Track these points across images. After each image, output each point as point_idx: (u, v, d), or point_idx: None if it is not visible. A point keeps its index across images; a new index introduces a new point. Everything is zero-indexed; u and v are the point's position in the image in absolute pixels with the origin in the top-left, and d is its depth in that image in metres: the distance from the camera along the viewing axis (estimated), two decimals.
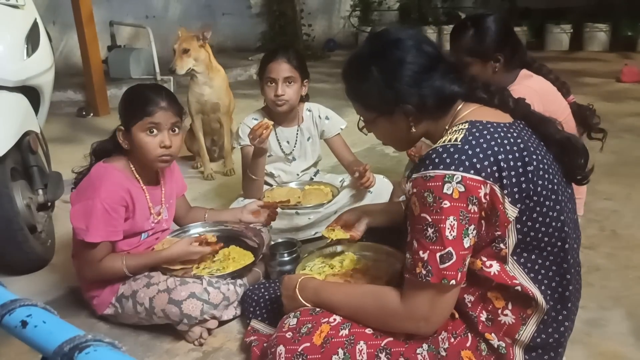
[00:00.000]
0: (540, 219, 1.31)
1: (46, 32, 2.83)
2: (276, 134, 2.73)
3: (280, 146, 2.75)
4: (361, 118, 1.55)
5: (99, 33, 5.74)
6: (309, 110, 2.78)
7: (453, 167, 1.25)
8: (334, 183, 2.76)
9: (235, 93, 4.04)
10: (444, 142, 1.31)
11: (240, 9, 10.04)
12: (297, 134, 2.75)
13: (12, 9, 2.55)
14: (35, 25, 2.67)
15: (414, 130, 1.44)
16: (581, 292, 1.50)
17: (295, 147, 2.76)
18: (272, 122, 2.43)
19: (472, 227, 1.26)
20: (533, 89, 2.12)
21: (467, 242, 1.26)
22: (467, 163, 1.25)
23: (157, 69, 6.33)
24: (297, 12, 9.74)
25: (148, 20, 8.39)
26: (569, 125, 2.24)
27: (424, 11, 11.13)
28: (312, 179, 2.86)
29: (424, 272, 1.25)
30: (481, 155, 1.26)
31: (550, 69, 2.34)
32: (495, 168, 1.26)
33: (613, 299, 2.11)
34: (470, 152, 1.26)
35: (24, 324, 0.75)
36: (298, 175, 2.81)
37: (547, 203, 1.31)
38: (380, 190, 2.60)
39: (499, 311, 1.35)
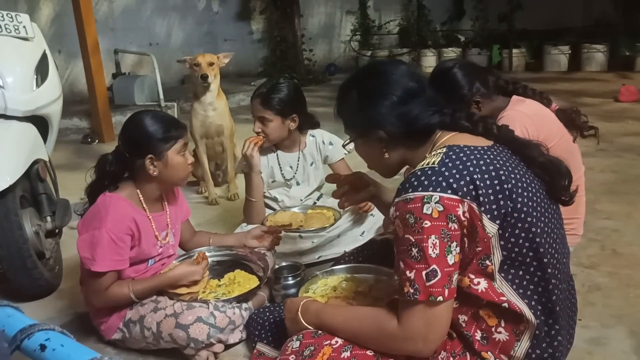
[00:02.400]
0: (523, 234, 1.35)
1: (54, 62, 2.90)
2: (278, 159, 2.78)
3: (282, 171, 2.79)
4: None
5: (103, 61, 5.84)
6: (313, 136, 2.83)
7: (431, 188, 1.31)
8: (336, 207, 2.79)
9: (237, 118, 4.10)
10: (422, 165, 1.38)
11: (241, 35, 10.19)
12: (298, 159, 2.80)
13: (22, 41, 2.62)
14: (44, 57, 2.74)
15: (387, 155, 1.53)
16: (577, 306, 1.52)
17: (297, 172, 2.81)
18: (264, 137, 2.56)
19: (455, 243, 1.31)
20: (525, 113, 2.19)
21: (451, 259, 1.30)
22: (444, 184, 1.31)
23: (161, 96, 6.41)
24: (298, 37, 9.86)
25: (151, 47, 8.52)
26: (566, 139, 2.28)
27: (423, 34, 11.29)
28: (315, 203, 2.90)
29: (411, 290, 1.29)
30: (457, 176, 1.32)
31: (526, 85, 2.40)
32: (471, 187, 1.32)
33: (615, 317, 2.13)
34: (446, 173, 1.32)
35: (43, 347, 0.78)
36: (301, 200, 2.84)
37: (530, 219, 1.36)
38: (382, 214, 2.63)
39: (493, 329, 1.38)
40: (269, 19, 10.29)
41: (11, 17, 2.58)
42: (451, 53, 10.28)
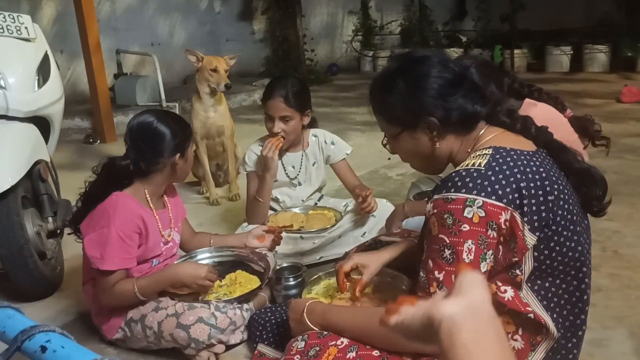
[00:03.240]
0: (558, 247, 1.33)
1: (55, 62, 2.91)
2: (281, 159, 2.78)
3: (285, 171, 2.79)
4: (385, 135, 1.57)
5: (105, 61, 5.84)
6: (315, 136, 2.82)
7: (475, 191, 1.26)
8: (338, 207, 2.80)
9: (239, 118, 4.12)
10: (467, 165, 1.32)
11: (243, 34, 10.19)
12: (302, 159, 2.80)
13: (24, 42, 2.63)
14: (46, 58, 2.75)
15: (437, 146, 1.45)
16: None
17: (300, 172, 2.81)
18: (283, 139, 2.57)
19: (490, 252, 1.27)
20: (538, 119, 2.16)
21: (483, 267, 1.26)
22: (489, 189, 1.26)
23: (163, 96, 6.42)
24: (300, 38, 9.86)
25: (153, 47, 8.52)
26: (577, 145, 2.27)
27: (425, 35, 11.29)
28: (317, 204, 2.90)
29: (438, 292, 1.28)
30: (503, 182, 1.27)
31: (541, 88, 2.37)
32: (516, 195, 1.27)
33: (615, 319, 2.13)
34: (493, 177, 1.28)
35: (44, 349, 0.79)
36: (303, 200, 2.85)
37: (565, 233, 1.33)
38: (383, 214, 2.62)
39: (509, 336, 1.36)
40: (271, 19, 10.29)
41: (13, 18, 2.58)
42: (453, 54, 10.26)
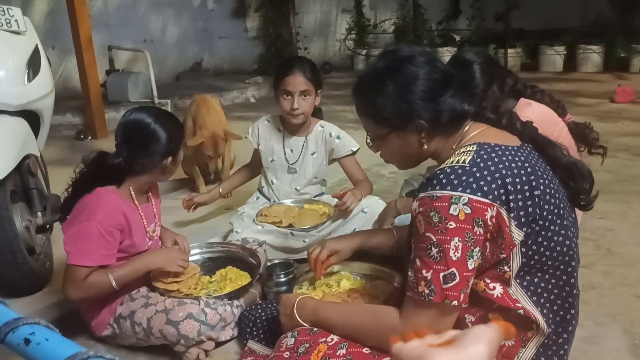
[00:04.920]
0: (545, 243, 1.32)
1: (46, 56, 2.88)
2: (283, 139, 2.77)
3: (285, 153, 2.78)
4: (369, 135, 1.55)
5: (97, 57, 5.80)
6: (322, 127, 2.79)
7: (460, 188, 1.25)
8: (332, 202, 2.78)
9: (232, 115, 4.10)
10: (451, 163, 1.32)
11: (237, 32, 10.17)
12: (303, 145, 2.77)
13: (13, 34, 2.59)
14: (36, 51, 2.71)
15: (425, 147, 1.44)
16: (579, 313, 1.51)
17: (298, 158, 2.78)
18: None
19: (477, 249, 1.26)
20: (531, 118, 2.15)
21: (471, 264, 1.26)
22: (474, 185, 1.25)
23: (155, 93, 6.38)
24: (293, 35, 9.84)
25: (146, 44, 8.49)
26: (570, 148, 2.26)
27: (419, 33, 11.30)
28: (311, 198, 2.88)
29: (426, 291, 1.26)
30: (489, 178, 1.27)
31: (544, 90, 2.36)
32: (502, 191, 1.27)
33: (609, 316, 2.13)
34: (478, 174, 1.27)
35: (27, 341, 0.76)
36: (297, 189, 2.83)
37: (553, 227, 1.32)
38: (375, 211, 2.60)
39: None
40: (265, 17, 10.27)
41: (2, 11, 2.54)
42: (447, 53, 10.27)
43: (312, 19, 11.34)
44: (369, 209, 2.62)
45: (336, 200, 2.81)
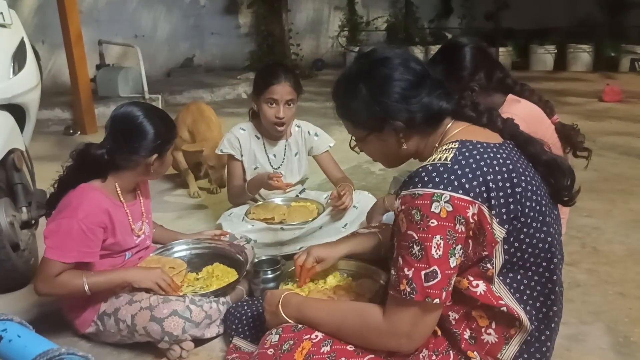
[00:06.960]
0: (527, 239, 1.32)
1: (35, 51, 2.85)
2: (265, 146, 2.76)
3: (269, 159, 2.77)
4: (352, 137, 1.56)
5: (87, 52, 5.76)
6: (298, 127, 2.81)
7: (442, 186, 1.25)
8: (319, 199, 2.78)
9: (223, 112, 4.09)
10: (433, 160, 1.32)
11: (228, 28, 10.14)
12: (285, 148, 2.78)
13: None
14: (22, 44, 2.68)
15: (405, 147, 1.45)
16: (562, 311, 1.51)
17: (283, 162, 2.78)
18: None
19: (459, 246, 1.26)
20: (519, 116, 2.14)
21: (453, 262, 1.26)
22: (455, 183, 1.25)
23: (145, 88, 6.35)
24: (285, 32, 9.84)
25: (137, 39, 8.44)
26: (555, 147, 2.26)
27: (411, 31, 11.33)
28: (298, 196, 2.88)
29: (408, 289, 1.25)
30: (470, 175, 1.27)
31: (534, 89, 2.36)
32: (483, 188, 1.27)
33: (593, 314, 2.13)
34: (459, 171, 1.27)
35: None
36: (284, 191, 2.82)
37: (535, 224, 1.33)
38: (366, 206, 2.60)
39: (483, 330, 1.36)
40: (256, 13, 10.24)
41: None
42: None
43: (304, 16, 11.33)
44: (360, 204, 2.63)
45: (325, 196, 2.82)
